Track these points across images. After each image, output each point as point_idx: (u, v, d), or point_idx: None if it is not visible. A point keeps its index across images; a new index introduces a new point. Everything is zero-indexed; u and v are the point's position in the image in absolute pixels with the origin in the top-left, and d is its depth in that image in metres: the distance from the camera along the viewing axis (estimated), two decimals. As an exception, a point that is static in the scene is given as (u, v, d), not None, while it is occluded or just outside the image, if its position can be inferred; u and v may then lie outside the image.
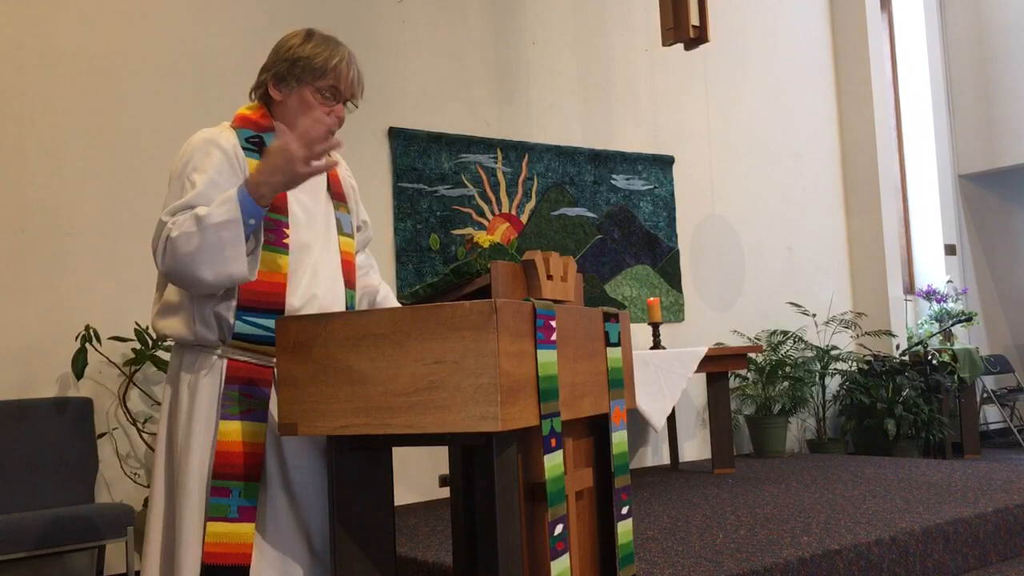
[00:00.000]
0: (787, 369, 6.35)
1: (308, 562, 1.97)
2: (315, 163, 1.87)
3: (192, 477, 1.93)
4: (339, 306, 2.09)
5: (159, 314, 2.04)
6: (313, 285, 2.03)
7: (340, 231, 2.14)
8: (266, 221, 1.95)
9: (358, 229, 2.28)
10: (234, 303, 1.96)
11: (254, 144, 2.03)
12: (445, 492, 4.71)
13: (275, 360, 1.93)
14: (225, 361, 1.97)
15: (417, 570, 3.34)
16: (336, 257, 2.11)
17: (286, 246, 1.98)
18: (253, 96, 2.15)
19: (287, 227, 2.01)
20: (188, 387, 1.99)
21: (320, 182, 2.15)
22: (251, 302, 1.96)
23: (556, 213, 5.76)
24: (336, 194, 2.18)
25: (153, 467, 2.06)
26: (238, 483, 1.90)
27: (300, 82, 2.07)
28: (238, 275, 1.87)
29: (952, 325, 7.25)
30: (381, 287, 2.36)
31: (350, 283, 2.15)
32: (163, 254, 1.87)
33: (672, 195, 6.36)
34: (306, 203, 2.08)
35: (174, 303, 2.00)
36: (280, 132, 2.05)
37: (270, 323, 1.95)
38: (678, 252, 6.33)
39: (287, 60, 2.08)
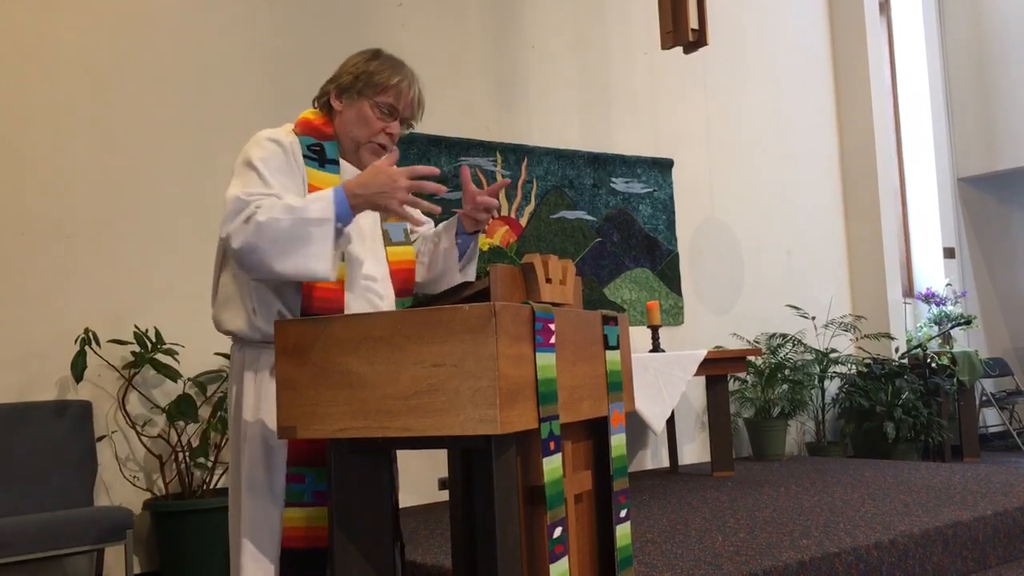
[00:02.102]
0: (786, 372, 6.35)
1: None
2: (407, 207, 1.93)
3: (259, 466, 1.98)
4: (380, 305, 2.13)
5: (220, 312, 2.07)
6: (364, 297, 2.07)
7: (388, 242, 2.18)
8: None
9: (412, 231, 2.30)
10: (298, 306, 2.00)
11: (315, 152, 2.07)
12: (444, 495, 4.71)
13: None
14: None
15: (416, 573, 3.34)
16: (384, 268, 2.15)
17: (341, 255, 2.01)
18: (315, 104, 2.19)
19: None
20: (254, 384, 2.02)
21: None
22: (314, 308, 1.98)
23: (555, 216, 5.76)
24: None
25: (231, 470, 2.10)
26: (310, 469, 1.95)
27: (360, 95, 2.11)
28: (321, 272, 1.89)
29: (951, 328, 7.25)
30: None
31: (404, 291, 2.18)
32: (244, 233, 1.85)
33: (671, 198, 6.36)
34: (357, 219, 2.08)
35: (234, 300, 2.03)
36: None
37: None
38: (677, 255, 6.33)
39: (352, 74, 2.13)
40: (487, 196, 2.15)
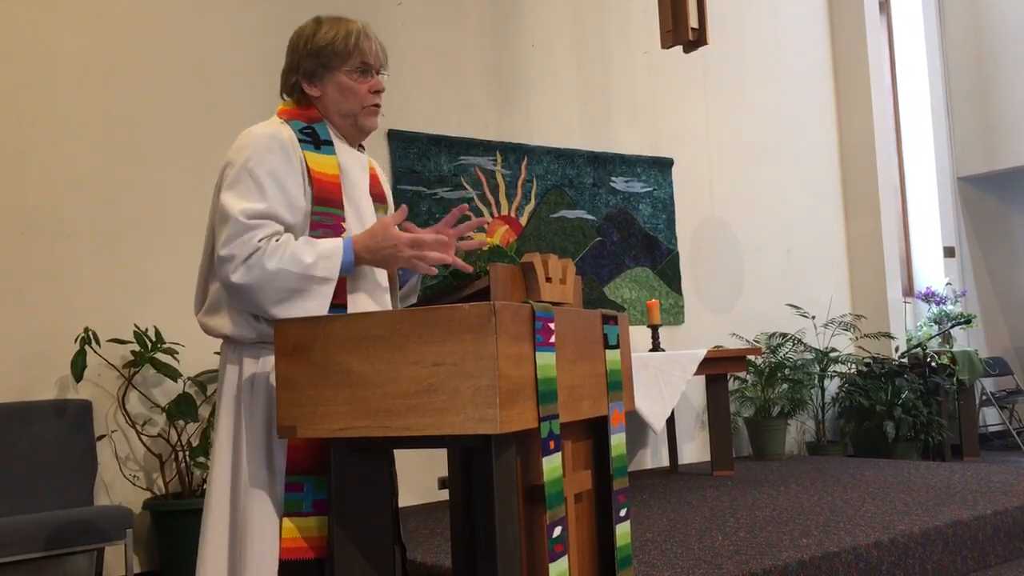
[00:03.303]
0: (786, 371, 6.35)
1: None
2: (415, 262, 1.97)
3: (260, 476, 1.95)
4: (388, 304, 2.14)
5: (211, 315, 2.04)
6: (364, 284, 2.06)
7: None
8: (323, 216, 1.99)
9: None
10: None
11: (308, 135, 2.05)
12: (444, 494, 4.71)
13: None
14: None
15: (416, 572, 3.34)
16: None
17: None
18: (284, 97, 2.16)
19: (343, 220, 2.03)
20: (250, 386, 2.00)
21: (363, 182, 2.16)
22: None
23: (555, 215, 5.76)
24: (375, 195, 2.20)
25: (211, 469, 2.05)
26: (310, 477, 1.92)
27: (330, 70, 2.08)
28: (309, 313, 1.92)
29: (951, 327, 7.25)
30: None
31: (391, 280, 2.20)
32: (247, 273, 1.88)
33: (671, 197, 6.36)
34: (357, 201, 2.10)
35: (229, 304, 2.00)
36: (407, 228, 2.07)
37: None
38: (677, 254, 6.33)
39: (310, 54, 2.08)
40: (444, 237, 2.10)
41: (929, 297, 7.61)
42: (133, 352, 4.05)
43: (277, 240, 1.91)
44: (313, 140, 2.05)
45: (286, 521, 1.91)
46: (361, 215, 2.09)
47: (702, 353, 5.30)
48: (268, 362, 1.98)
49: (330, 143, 2.08)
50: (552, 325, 1.75)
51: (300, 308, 1.90)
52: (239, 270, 1.88)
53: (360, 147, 2.22)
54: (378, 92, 2.13)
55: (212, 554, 1.98)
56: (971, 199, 8.41)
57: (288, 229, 1.96)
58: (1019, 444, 7.58)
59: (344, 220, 2.03)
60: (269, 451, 1.96)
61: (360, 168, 2.15)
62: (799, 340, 6.58)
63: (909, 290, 7.95)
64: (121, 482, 4.14)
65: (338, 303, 1.98)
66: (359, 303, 2.04)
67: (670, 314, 6.21)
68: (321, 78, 2.09)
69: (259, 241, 1.89)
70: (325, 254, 1.92)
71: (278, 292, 1.89)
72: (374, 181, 2.21)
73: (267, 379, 1.99)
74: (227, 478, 1.99)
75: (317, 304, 1.91)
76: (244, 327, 2.00)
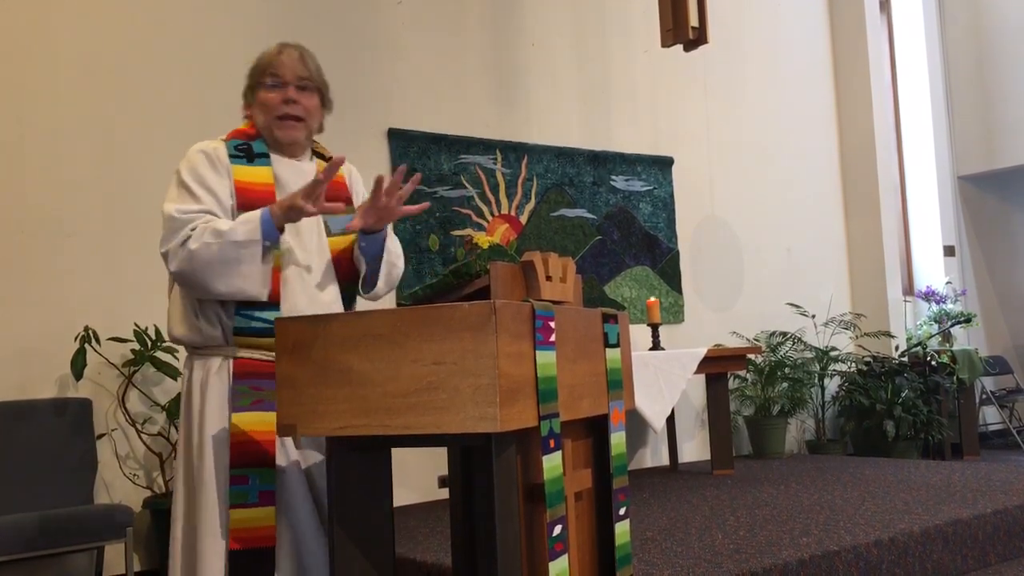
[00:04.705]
0: (786, 370, 6.35)
1: (323, 539, 2.07)
2: (322, 205, 2.07)
3: (209, 471, 2.06)
4: (335, 302, 2.22)
5: (171, 322, 2.19)
6: (304, 287, 2.16)
7: (328, 233, 2.27)
8: None
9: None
10: (233, 306, 2.10)
11: (242, 151, 2.20)
12: (444, 493, 4.71)
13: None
14: (232, 360, 2.10)
15: (416, 571, 3.34)
16: (324, 259, 2.23)
17: (272, 272, 2.10)
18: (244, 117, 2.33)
19: None
20: (200, 389, 2.12)
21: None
22: (248, 304, 2.10)
23: (555, 214, 5.76)
24: (335, 199, 2.24)
25: (175, 471, 2.18)
26: (255, 470, 2.02)
27: (254, 89, 2.25)
28: (251, 291, 2.04)
29: (951, 326, 7.25)
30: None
31: (351, 277, 2.27)
32: (179, 259, 2.03)
33: (671, 196, 6.36)
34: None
35: (180, 310, 2.15)
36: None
37: (266, 315, 2.08)
38: (677, 253, 6.33)
39: (247, 78, 2.28)
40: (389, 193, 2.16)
41: (929, 296, 7.61)
42: (133, 351, 4.05)
43: (206, 224, 2.04)
44: (247, 154, 2.20)
45: (233, 512, 1.99)
46: (299, 223, 2.16)
47: (702, 352, 5.30)
48: (214, 364, 2.12)
49: (265, 155, 2.22)
50: (552, 324, 1.75)
51: (239, 276, 2.01)
52: (174, 259, 2.04)
53: (323, 157, 2.33)
54: (291, 102, 2.21)
55: (176, 551, 2.10)
56: (971, 198, 8.41)
57: None
58: (1019, 443, 7.58)
59: None
60: (220, 449, 2.06)
61: (299, 177, 2.22)
62: (799, 339, 6.58)
63: (909, 289, 7.95)
64: (121, 481, 4.14)
65: (273, 300, 2.08)
66: (291, 296, 2.12)
67: (670, 313, 6.21)
68: (252, 97, 2.25)
69: (190, 230, 2.03)
70: (243, 220, 2.05)
71: (211, 267, 2.01)
72: (334, 187, 2.27)
73: (215, 381, 2.11)
74: (183, 477, 2.13)
75: (249, 269, 2.02)
76: (193, 333, 2.14)
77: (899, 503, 4.03)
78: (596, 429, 2.06)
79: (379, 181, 2.14)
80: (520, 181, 5.63)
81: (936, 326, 7.42)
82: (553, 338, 1.74)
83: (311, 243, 2.21)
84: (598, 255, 5.92)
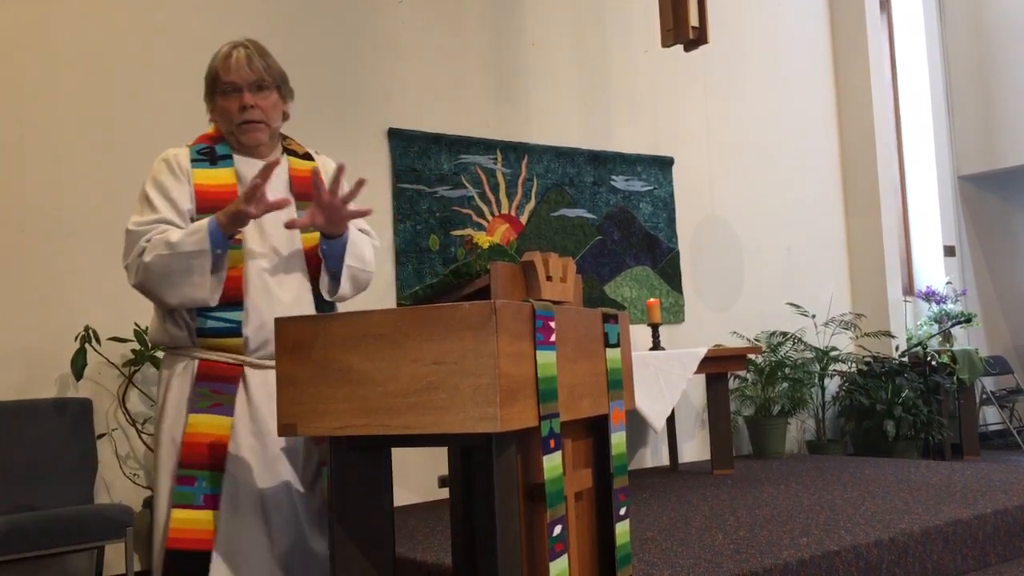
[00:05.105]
0: (786, 370, 6.35)
1: (265, 551, 2.06)
2: (266, 204, 2.07)
3: (163, 470, 2.09)
4: (296, 301, 2.20)
5: (151, 323, 2.25)
6: (264, 287, 2.16)
7: (304, 230, 2.24)
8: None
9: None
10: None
11: (205, 155, 2.23)
12: (444, 493, 4.71)
13: (245, 358, 2.11)
14: (196, 361, 2.13)
15: (416, 571, 3.34)
16: (294, 255, 2.23)
17: (238, 242, 2.13)
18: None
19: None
20: (164, 388, 2.16)
21: (277, 185, 2.23)
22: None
23: (555, 214, 5.76)
24: (298, 194, 2.26)
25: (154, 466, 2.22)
26: (203, 472, 2.04)
27: (212, 96, 2.25)
28: (200, 300, 2.08)
29: (951, 326, 7.25)
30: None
31: (317, 274, 2.25)
32: (136, 273, 2.11)
33: (672, 196, 6.36)
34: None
35: (153, 313, 2.22)
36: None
37: (229, 315, 2.11)
38: (678, 253, 6.33)
39: (204, 83, 2.26)
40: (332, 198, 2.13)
41: (929, 296, 7.61)
42: (133, 350, 4.05)
43: (159, 234, 2.09)
44: (209, 157, 2.22)
45: (175, 512, 2.02)
46: (261, 222, 2.17)
47: (702, 352, 5.30)
48: (180, 365, 2.15)
49: (228, 157, 2.23)
50: (552, 324, 1.75)
51: (188, 286, 2.06)
52: (133, 273, 2.12)
53: (295, 153, 2.32)
54: (251, 107, 2.20)
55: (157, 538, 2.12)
56: (971, 198, 8.41)
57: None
58: (1019, 443, 7.57)
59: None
60: (174, 448, 2.09)
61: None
62: (799, 339, 6.58)
63: (909, 289, 7.95)
64: (121, 480, 4.14)
65: (235, 300, 2.10)
66: (251, 295, 2.13)
67: (670, 313, 6.21)
68: (212, 103, 2.26)
69: (144, 242, 2.09)
70: (191, 230, 2.08)
71: (163, 278, 2.07)
72: (297, 181, 2.27)
73: (177, 381, 2.14)
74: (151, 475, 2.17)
75: (202, 278, 2.05)
76: (162, 335, 2.20)
77: (899, 503, 4.03)
78: (596, 429, 2.06)
79: (318, 179, 2.12)
80: (520, 181, 5.63)
81: (936, 326, 7.41)
82: (553, 338, 1.74)
83: (278, 241, 2.20)
84: (598, 255, 5.92)
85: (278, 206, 2.10)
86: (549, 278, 1.98)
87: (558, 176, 5.80)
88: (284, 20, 4.83)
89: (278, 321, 1.79)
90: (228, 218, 2.07)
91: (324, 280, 2.23)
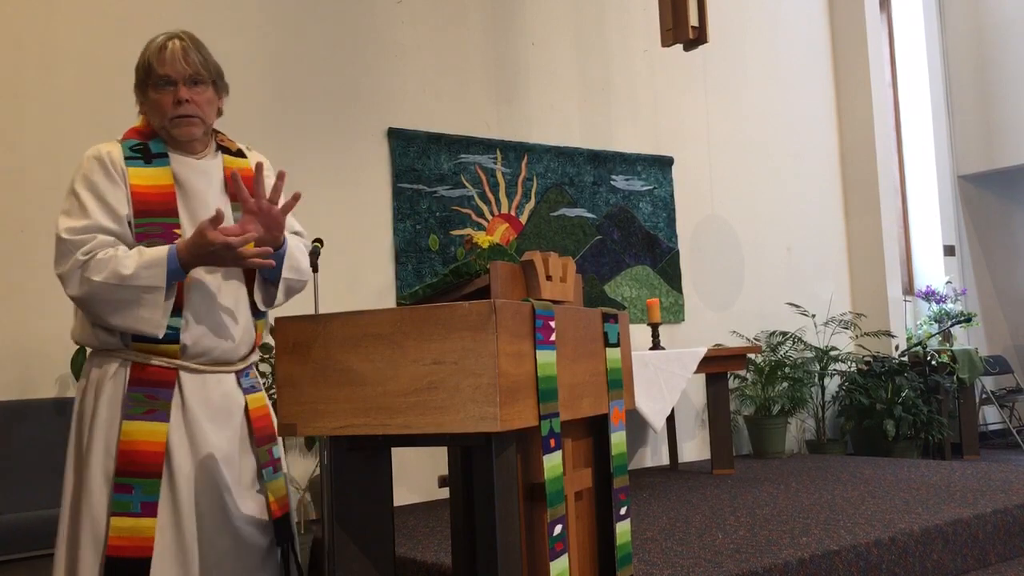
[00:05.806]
0: (786, 370, 6.35)
1: (204, 555, 2.05)
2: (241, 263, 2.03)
3: (95, 477, 2.04)
4: (243, 307, 2.17)
5: (75, 323, 2.17)
6: (203, 294, 2.11)
7: None
8: (147, 226, 2.06)
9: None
10: None
11: (139, 152, 2.15)
12: (444, 492, 4.71)
13: (180, 362, 2.06)
14: (129, 365, 2.08)
15: (416, 570, 3.34)
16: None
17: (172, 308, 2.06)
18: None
19: (178, 228, 2.09)
20: (94, 390, 2.11)
21: (207, 190, 2.18)
22: None
23: (555, 214, 5.76)
24: (232, 193, 2.19)
25: (64, 472, 2.14)
26: (140, 480, 2.00)
27: (144, 88, 2.19)
28: (148, 332, 2.01)
29: (951, 326, 7.25)
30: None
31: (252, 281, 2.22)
32: (76, 287, 2.01)
33: (671, 196, 6.36)
34: (194, 210, 2.13)
35: (79, 314, 2.14)
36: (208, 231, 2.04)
37: (169, 321, 2.04)
38: (678, 252, 6.33)
39: (135, 74, 2.21)
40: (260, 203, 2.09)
41: (929, 295, 7.61)
42: (133, 350, 4.04)
43: (107, 253, 2.00)
44: (144, 155, 2.14)
45: (114, 520, 1.98)
46: (198, 222, 2.08)
47: (702, 351, 5.30)
48: (111, 367, 2.09)
49: (164, 155, 2.15)
50: (552, 323, 1.75)
51: (134, 319, 1.99)
52: (70, 284, 2.02)
53: (229, 151, 2.26)
54: (185, 102, 2.15)
55: (60, 555, 2.07)
56: (971, 197, 8.41)
57: (119, 237, 2.04)
58: (1019, 443, 7.58)
59: (179, 228, 2.09)
60: (108, 454, 2.04)
61: (200, 176, 2.17)
62: (799, 338, 6.58)
63: (909, 288, 7.95)
64: (121, 480, 4.13)
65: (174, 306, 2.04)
66: (191, 302, 2.08)
67: (670, 312, 6.21)
68: (144, 96, 2.19)
69: (83, 255, 1.99)
70: (147, 263, 1.99)
71: (109, 304, 1.99)
72: (245, 182, 2.17)
73: (110, 385, 2.08)
74: (72, 480, 2.10)
75: (151, 312, 1.99)
76: (90, 338, 2.12)
77: (899, 503, 4.03)
78: (596, 429, 2.06)
79: (239, 185, 2.07)
80: (520, 180, 5.63)
81: (936, 326, 7.41)
82: (553, 337, 1.74)
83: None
84: (598, 255, 5.92)
85: (246, 242, 2.02)
86: (549, 278, 1.97)
87: (558, 176, 5.80)
88: (284, 20, 4.83)
89: (278, 321, 1.79)
90: (192, 256, 2.00)
91: (259, 291, 2.21)
